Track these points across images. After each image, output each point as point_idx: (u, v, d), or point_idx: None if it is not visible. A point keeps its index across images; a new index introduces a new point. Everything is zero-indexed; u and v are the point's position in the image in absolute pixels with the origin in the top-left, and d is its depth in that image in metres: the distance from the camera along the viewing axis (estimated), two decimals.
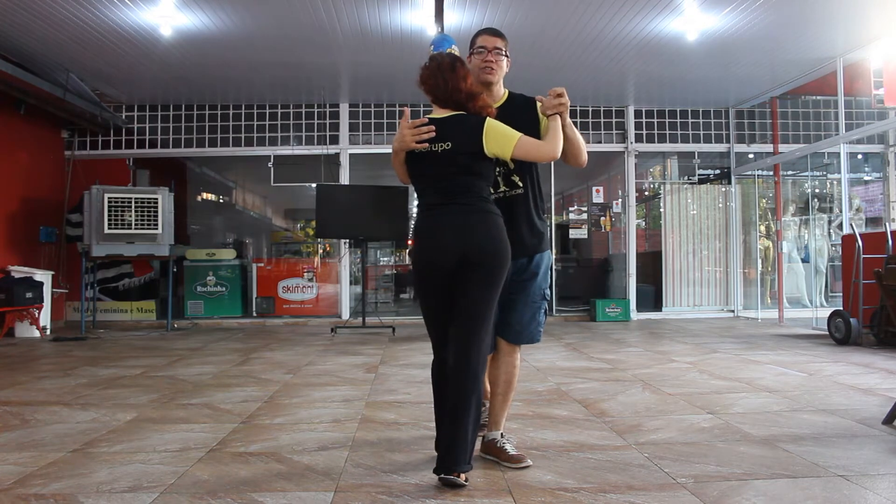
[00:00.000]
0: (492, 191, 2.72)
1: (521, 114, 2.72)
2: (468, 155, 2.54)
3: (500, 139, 2.53)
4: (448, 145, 2.52)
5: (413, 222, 2.66)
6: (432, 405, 2.67)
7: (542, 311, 2.87)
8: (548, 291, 2.90)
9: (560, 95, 2.63)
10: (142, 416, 3.72)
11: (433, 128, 2.53)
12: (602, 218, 10.33)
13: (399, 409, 3.86)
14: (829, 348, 6.23)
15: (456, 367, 2.48)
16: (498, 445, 2.78)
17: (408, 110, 2.63)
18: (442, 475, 2.44)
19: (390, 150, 2.74)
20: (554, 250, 10.34)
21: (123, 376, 5.06)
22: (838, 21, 6.85)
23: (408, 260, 12.72)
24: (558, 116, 2.63)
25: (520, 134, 2.55)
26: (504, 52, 2.78)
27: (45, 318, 8.10)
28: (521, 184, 2.77)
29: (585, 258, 11.61)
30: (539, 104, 2.74)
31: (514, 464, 2.70)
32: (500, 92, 2.83)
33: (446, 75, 2.57)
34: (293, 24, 6.69)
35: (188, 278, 9.76)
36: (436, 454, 2.55)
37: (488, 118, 2.57)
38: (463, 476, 2.47)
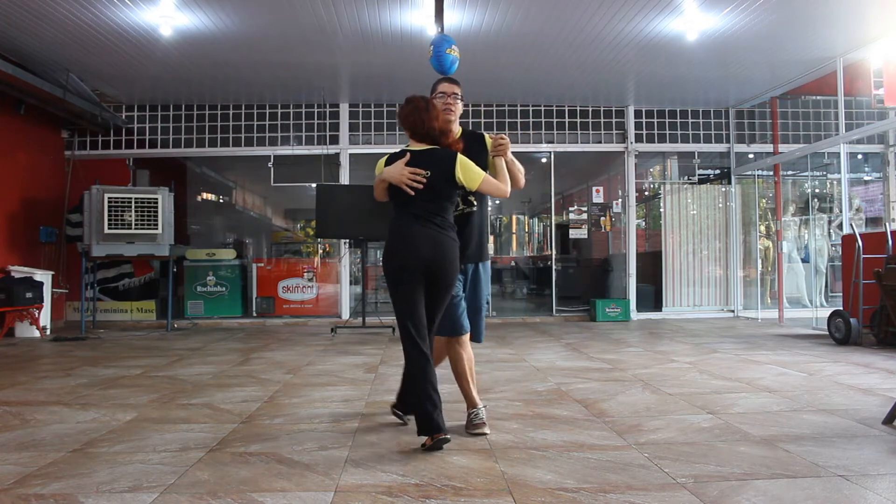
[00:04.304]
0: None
1: (473, 144, 3.30)
2: (444, 182, 3.08)
3: (471, 174, 3.11)
4: (428, 173, 3.06)
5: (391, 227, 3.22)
6: None
7: (484, 311, 3.49)
8: (489, 297, 3.45)
9: (501, 140, 3.27)
10: (142, 416, 3.72)
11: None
12: (602, 218, 10.33)
13: None
14: (829, 348, 6.23)
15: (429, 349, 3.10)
16: (481, 417, 3.27)
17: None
18: (444, 435, 2.90)
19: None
20: (554, 250, 10.38)
21: (123, 376, 5.07)
22: (838, 21, 6.85)
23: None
24: (502, 158, 3.26)
25: (485, 173, 3.16)
26: (460, 97, 3.38)
27: (45, 318, 8.10)
28: (475, 202, 3.38)
29: (585, 258, 11.61)
30: (487, 139, 3.36)
31: (472, 430, 3.19)
32: (457, 128, 3.39)
33: (422, 115, 3.12)
34: (293, 24, 6.70)
35: (188, 278, 9.76)
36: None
37: (458, 154, 3.13)
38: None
